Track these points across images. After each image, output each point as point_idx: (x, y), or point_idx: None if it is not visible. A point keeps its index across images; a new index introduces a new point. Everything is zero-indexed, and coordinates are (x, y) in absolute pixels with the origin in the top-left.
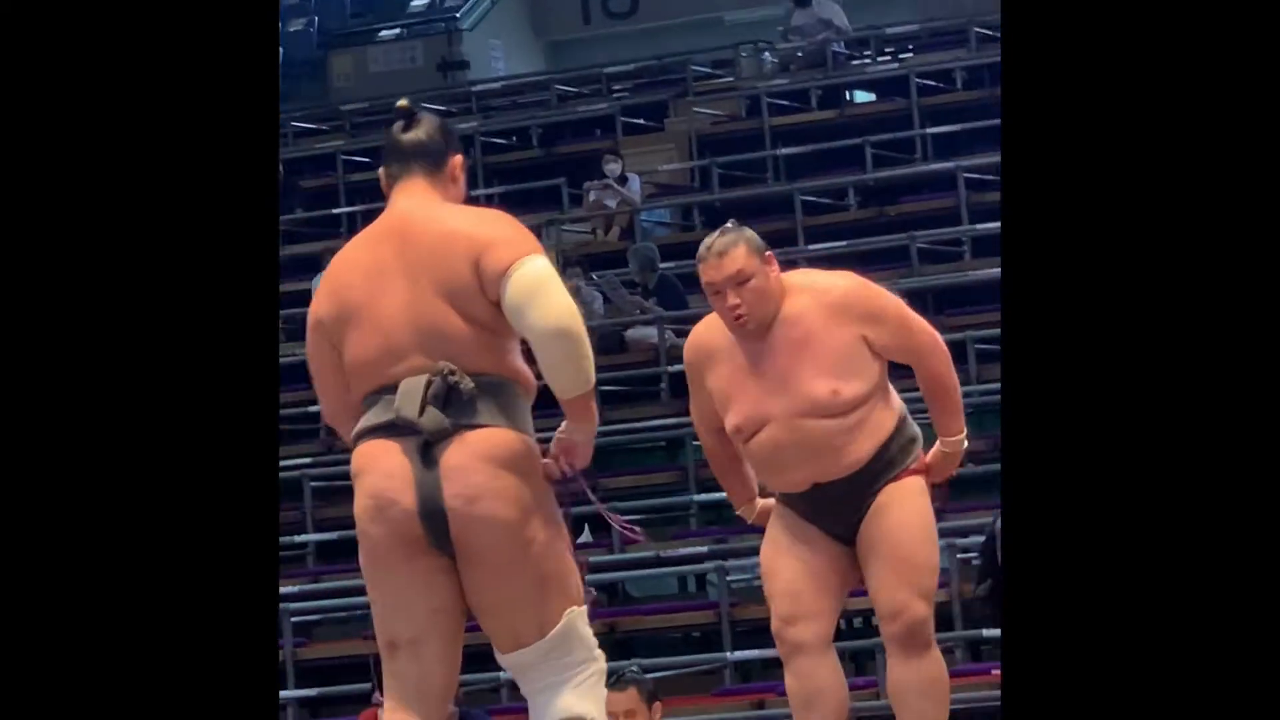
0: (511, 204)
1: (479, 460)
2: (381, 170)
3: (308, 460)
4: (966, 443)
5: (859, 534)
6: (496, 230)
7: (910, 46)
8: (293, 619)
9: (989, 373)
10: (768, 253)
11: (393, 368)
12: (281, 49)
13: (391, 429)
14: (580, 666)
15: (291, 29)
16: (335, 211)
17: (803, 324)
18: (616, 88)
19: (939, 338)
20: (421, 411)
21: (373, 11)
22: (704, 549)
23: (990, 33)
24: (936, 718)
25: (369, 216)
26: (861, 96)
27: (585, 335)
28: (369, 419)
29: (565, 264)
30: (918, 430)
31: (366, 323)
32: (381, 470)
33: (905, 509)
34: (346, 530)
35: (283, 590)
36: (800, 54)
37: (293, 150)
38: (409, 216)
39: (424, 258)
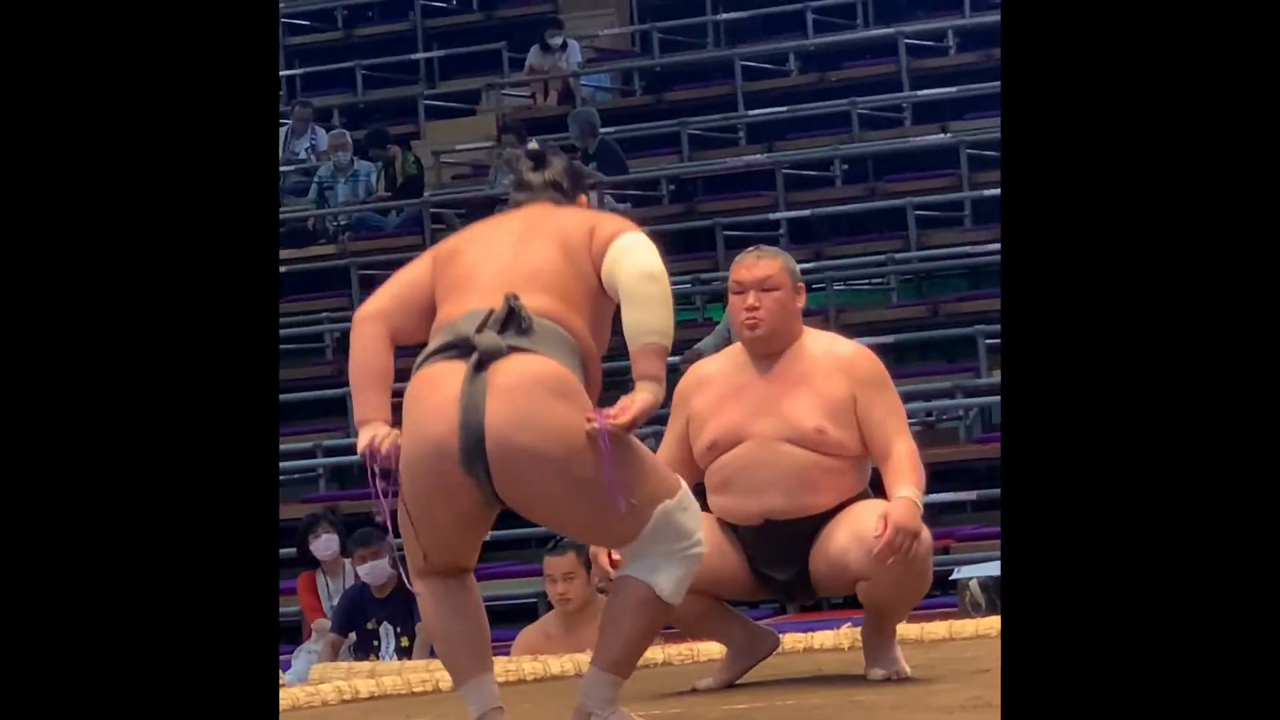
0: (453, 68)
1: (528, 381)
2: (511, 198)
3: None
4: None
5: (814, 554)
6: (611, 215)
7: None
8: None
9: (927, 239)
10: (800, 284)
11: (471, 300)
12: None
13: (448, 349)
14: (673, 555)
15: None
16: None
17: (806, 364)
18: None
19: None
20: (479, 331)
21: None
22: None
23: None
24: (910, 601)
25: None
26: None
27: (670, 295)
28: (430, 345)
29: (504, 129)
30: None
31: (468, 260)
32: (429, 403)
33: (860, 507)
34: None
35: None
36: None
37: None
38: (542, 215)
39: (545, 222)
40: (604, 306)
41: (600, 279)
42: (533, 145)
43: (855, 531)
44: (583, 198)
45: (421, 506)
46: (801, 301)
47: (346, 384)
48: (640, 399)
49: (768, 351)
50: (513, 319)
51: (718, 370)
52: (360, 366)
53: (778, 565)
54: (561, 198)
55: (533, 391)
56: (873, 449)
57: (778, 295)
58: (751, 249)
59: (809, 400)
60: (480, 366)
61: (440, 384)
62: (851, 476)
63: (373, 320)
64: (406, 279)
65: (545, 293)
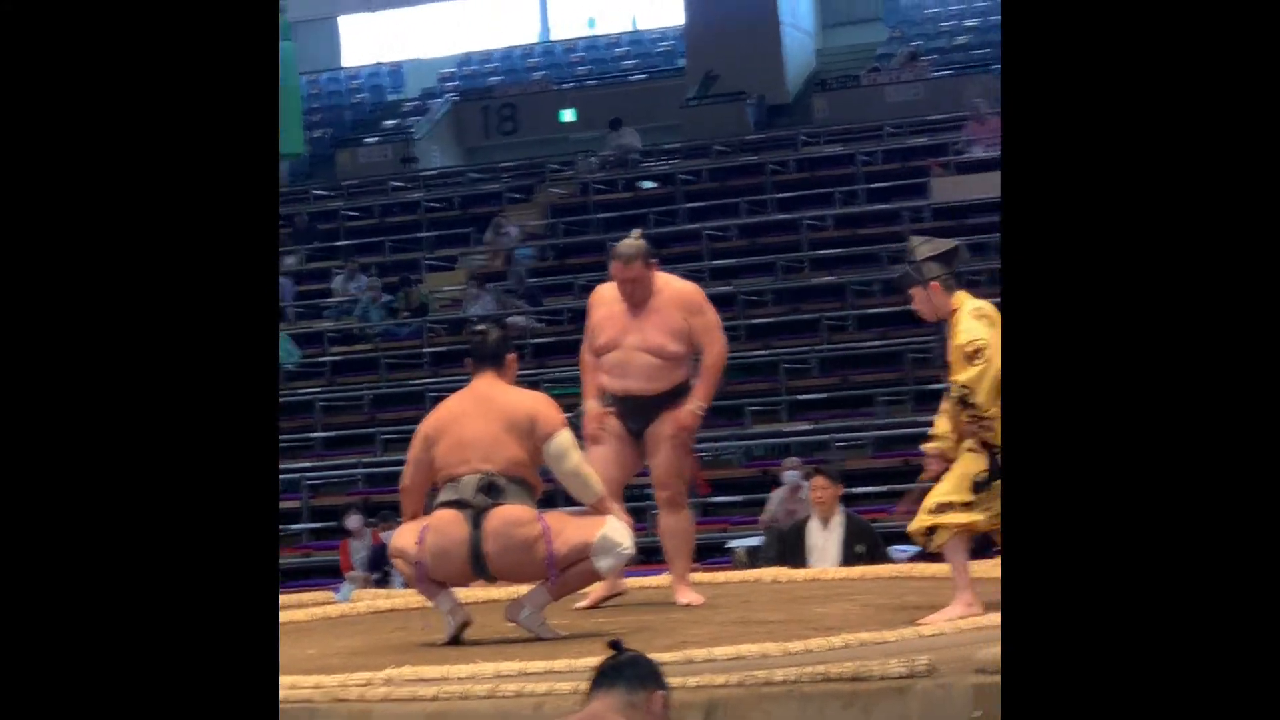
0: (443, 242)
1: (506, 524)
2: (468, 359)
3: None
4: (702, 412)
5: (647, 434)
6: (546, 407)
7: (677, 155)
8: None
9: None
10: (653, 260)
11: (461, 467)
12: (308, 147)
13: (456, 504)
14: (610, 553)
15: (315, 135)
16: (336, 244)
17: (659, 301)
18: (505, 175)
19: (726, 344)
20: (474, 496)
21: (362, 125)
22: None
23: (724, 149)
24: (684, 547)
25: (359, 249)
26: (648, 184)
27: (588, 474)
28: (444, 496)
29: (470, 277)
30: (690, 386)
31: (451, 438)
32: (445, 533)
33: (672, 433)
34: None
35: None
36: (613, 157)
37: (314, 207)
38: (490, 391)
39: (500, 409)
40: (539, 457)
41: (539, 448)
42: (480, 327)
43: (662, 457)
44: (512, 357)
45: (439, 575)
46: (654, 271)
47: (376, 426)
48: (612, 515)
49: (639, 304)
50: (492, 487)
51: (612, 293)
52: (408, 509)
53: (634, 420)
54: (498, 363)
55: (506, 530)
56: (700, 350)
57: (639, 281)
58: (623, 244)
59: (657, 326)
60: (477, 520)
61: (454, 525)
62: (678, 370)
63: (408, 492)
64: (414, 459)
65: (504, 461)
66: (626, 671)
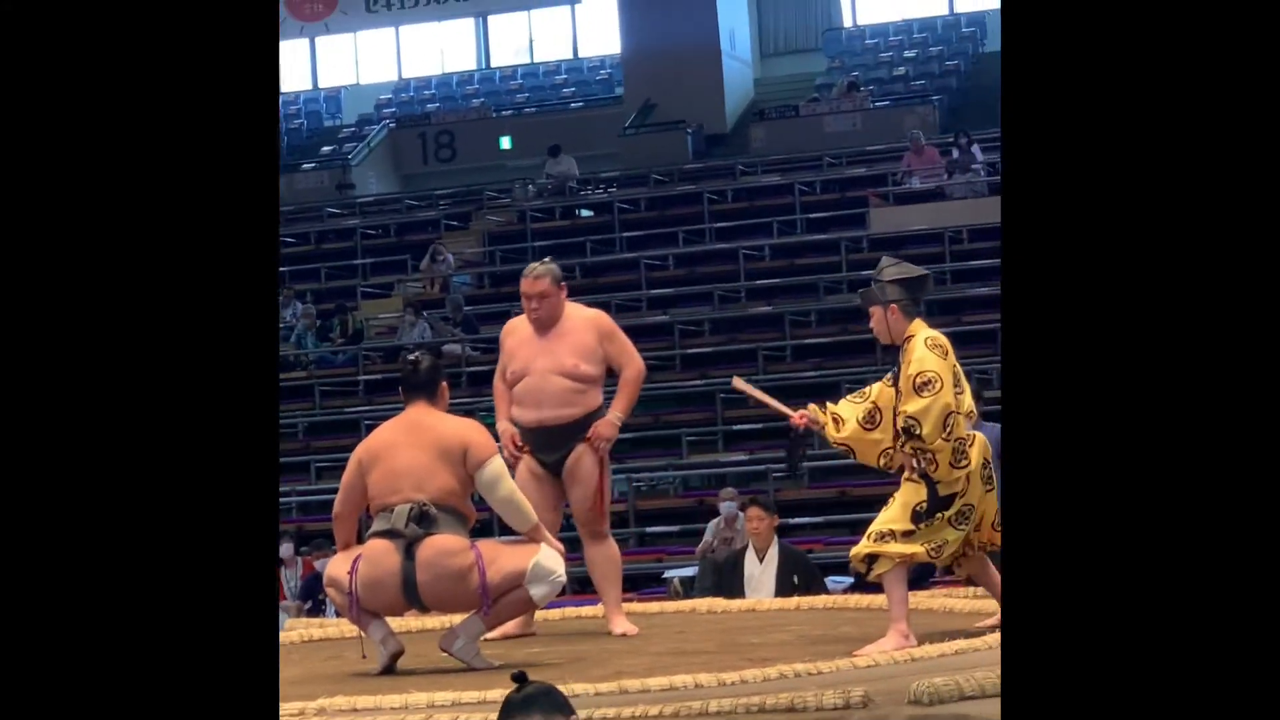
0: (379, 269)
1: (439, 554)
2: (401, 389)
3: None
4: (621, 422)
5: (564, 469)
6: (478, 434)
7: (615, 184)
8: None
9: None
10: (562, 283)
11: (393, 497)
12: None
13: (389, 534)
14: (544, 581)
15: None
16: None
17: (570, 325)
18: (442, 202)
19: (642, 364)
20: (406, 525)
21: (298, 150)
22: None
23: (662, 178)
24: (613, 576)
25: (294, 275)
26: (585, 213)
27: (521, 502)
28: (376, 525)
29: (406, 305)
30: (603, 414)
31: (384, 467)
32: (378, 563)
33: (588, 465)
34: None
35: None
36: (550, 185)
37: None
38: (422, 419)
39: (431, 438)
40: (472, 486)
41: (471, 477)
42: (412, 356)
43: (580, 493)
44: (444, 384)
45: (372, 605)
46: (563, 294)
47: (311, 454)
48: (545, 539)
49: (547, 324)
50: (424, 516)
51: (524, 324)
52: (341, 537)
53: (549, 452)
54: (431, 392)
55: (439, 559)
56: (617, 371)
57: (547, 301)
58: (534, 266)
59: (570, 348)
60: (409, 550)
61: (387, 555)
62: (592, 394)
63: (340, 518)
64: (347, 484)
65: (436, 490)
66: (540, 701)
